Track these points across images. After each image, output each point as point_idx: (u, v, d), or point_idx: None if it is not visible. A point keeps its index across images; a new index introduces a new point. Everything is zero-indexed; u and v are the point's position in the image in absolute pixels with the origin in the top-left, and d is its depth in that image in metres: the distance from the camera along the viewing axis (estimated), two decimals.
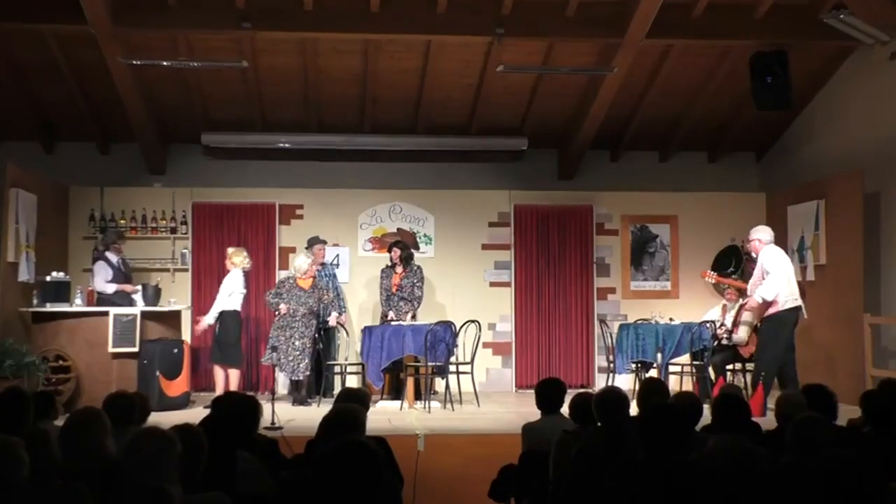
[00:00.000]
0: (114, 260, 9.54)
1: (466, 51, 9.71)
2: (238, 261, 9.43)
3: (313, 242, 10.03)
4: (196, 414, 8.43)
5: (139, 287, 9.45)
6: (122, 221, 10.75)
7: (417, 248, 11.06)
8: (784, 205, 11.01)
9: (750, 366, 9.51)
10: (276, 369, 9.68)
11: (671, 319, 9.64)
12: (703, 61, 10.07)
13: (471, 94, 10.53)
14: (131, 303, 9.24)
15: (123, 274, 9.59)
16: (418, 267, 9.97)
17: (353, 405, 4.63)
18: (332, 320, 9.59)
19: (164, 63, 9.29)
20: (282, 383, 10.21)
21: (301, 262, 9.50)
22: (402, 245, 10.06)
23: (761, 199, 11.61)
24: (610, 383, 9.41)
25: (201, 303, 10.59)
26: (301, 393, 9.38)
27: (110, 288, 9.37)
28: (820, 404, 4.95)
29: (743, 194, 11.60)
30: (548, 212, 11.31)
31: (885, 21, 8.73)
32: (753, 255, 8.64)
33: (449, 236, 11.20)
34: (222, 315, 9.27)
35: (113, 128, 10.90)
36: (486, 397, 9.96)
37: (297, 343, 9.31)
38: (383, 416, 8.51)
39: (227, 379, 9.26)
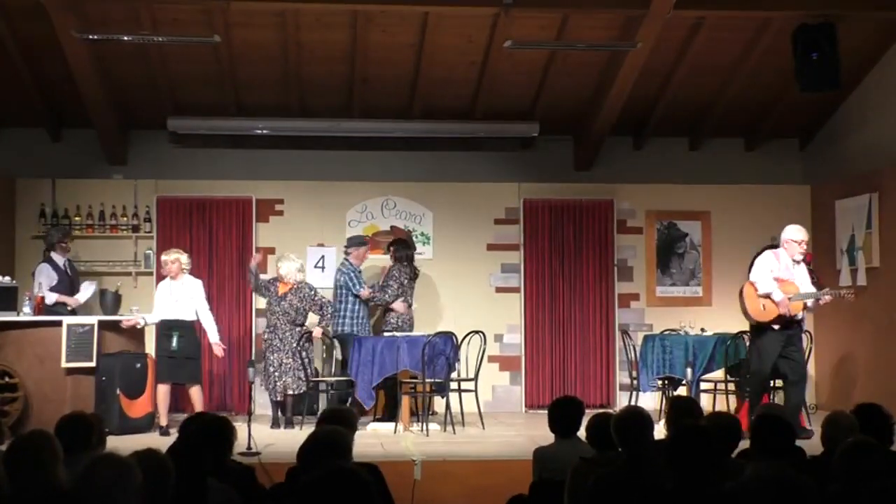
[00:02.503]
0: (60, 262, 9.53)
1: (469, 24, 9.70)
2: (188, 263, 9.44)
3: (354, 243, 10.17)
4: (161, 437, 8.49)
5: (80, 299, 9.42)
6: (77, 218, 10.75)
7: (413, 249, 11.04)
8: (832, 199, 11.01)
9: None
10: (253, 387, 9.69)
11: (703, 330, 9.64)
12: (739, 35, 10.06)
13: (474, 74, 10.52)
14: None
15: (69, 278, 9.58)
16: (401, 270, 10.06)
17: (337, 427, 4.63)
18: (316, 333, 9.60)
19: (125, 38, 9.27)
20: (260, 403, 10.21)
21: (283, 264, 9.55)
22: (398, 244, 10.24)
23: (806, 193, 11.60)
24: (633, 402, 9.42)
25: None
26: (287, 414, 9.41)
27: (50, 297, 9.35)
28: (873, 426, 4.94)
29: (785, 187, 11.59)
30: (562, 207, 11.30)
31: None
32: (803, 257, 8.67)
33: (449, 235, 11.20)
34: (184, 325, 9.26)
35: (66, 112, 10.89)
36: (492, 419, 9.95)
37: (272, 357, 9.38)
38: (375, 440, 8.51)
39: (188, 398, 9.29)
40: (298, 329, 9.51)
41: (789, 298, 8.48)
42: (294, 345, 9.43)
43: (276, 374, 9.37)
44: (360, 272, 10.10)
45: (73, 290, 9.56)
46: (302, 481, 3.32)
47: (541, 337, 11.18)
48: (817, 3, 9.31)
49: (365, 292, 9.92)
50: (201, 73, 10.40)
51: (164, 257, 9.41)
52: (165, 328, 9.19)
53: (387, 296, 9.98)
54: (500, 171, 11.46)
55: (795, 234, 8.65)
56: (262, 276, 9.90)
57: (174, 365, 9.16)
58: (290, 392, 9.41)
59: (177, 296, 9.26)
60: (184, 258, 9.39)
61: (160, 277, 10.70)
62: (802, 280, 8.60)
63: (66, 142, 11.23)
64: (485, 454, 7.93)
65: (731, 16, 9.59)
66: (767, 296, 8.51)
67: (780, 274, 8.60)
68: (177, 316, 9.22)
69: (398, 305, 10.01)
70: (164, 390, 9.10)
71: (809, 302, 8.57)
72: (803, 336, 8.76)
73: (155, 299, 9.39)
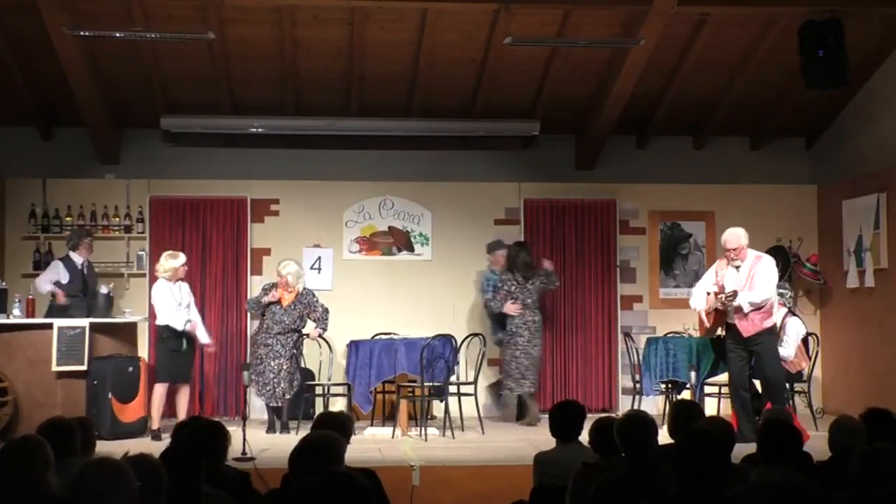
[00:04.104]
0: (78, 262, 9.58)
1: (469, 20, 9.70)
2: None
3: (490, 248, 10.52)
4: (154, 442, 8.48)
5: (68, 301, 9.44)
6: (69, 218, 10.74)
7: (412, 250, 11.06)
8: (839, 199, 11.01)
9: (799, 386, 9.55)
10: (248, 391, 9.69)
11: None
12: (744, 32, 10.06)
13: (474, 71, 10.52)
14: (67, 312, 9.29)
15: (83, 280, 9.62)
16: (507, 273, 10.25)
17: (329, 432, 4.62)
18: (313, 334, 9.60)
19: (117, 34, 9.26)
20: (256, 407, 10.21)
21: (292, 270, 9.54)
22: (511, 247, 10.42)
23: (812, 193, 11.61)
24: (635, 407, 9.42)
25: None
26: (283, 419, 9.43)
27: (44, 287, 9.44)
28: (882, 431, 4.95)
29: (791, 186, 11.60)
30: (563, 207, 11.31)
31: None
32: (739, 263, 8.63)
33: (448, 236, 11.19)
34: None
35: (57, 110, 10.88)
36: (492, 423, 9.96)
37: (272, 364, 9.38)
38: (373, 444, 8.51)
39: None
40: (297, 334, 9.53)
41: (706, 310, 8.75)
42: (293, 349, 9.46)
43: (276, 379, 9.37)
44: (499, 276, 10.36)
45: (85, 291, 9.58)
46: (298, 487, 3.31)
47: (542, 340, 11.16)
48: None
49: (486, 298, 10.40)
50: (195, 71, 10.39)
51: (174, 262, 9.29)
52: (177, 332, 9.16)
53: (492, 302, 10.19)
54: (500, 171, 11.46)
55: (723, 241, 8.80)
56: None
57: (180, 364, 9.18)
58: (287, 396, 9.43)
59: (179, 298, 9.30)
60: None
61: (154, 278, 10.69)
62: (729, 286, 8.61)
63: (57, 141, 11.23)
64: (484, 459, 7.93)
65: (735, 12, 9.58)
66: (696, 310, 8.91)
67: (719, 280, 8.74)
68: (184, 318, 9.30)
69: (509, 308, 10.04)
70: (161, 391, 9.06)
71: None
72: (763, 344, 8.63)
73: (167, 302, 9.17)
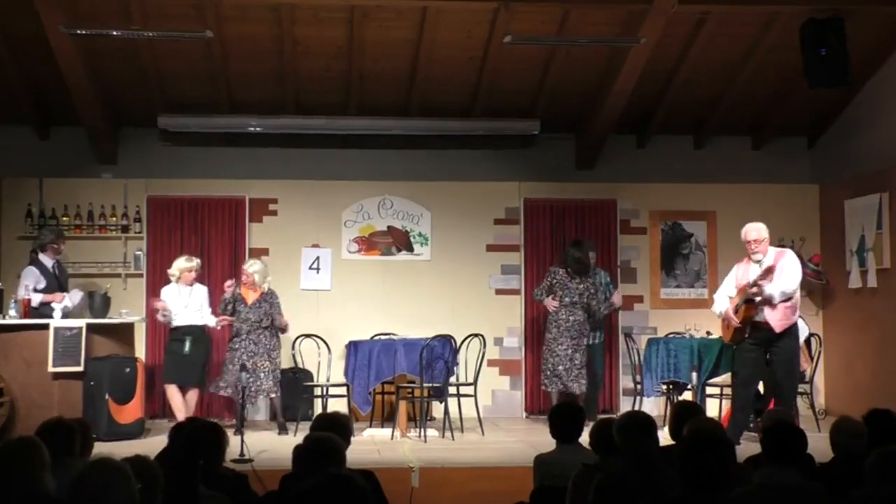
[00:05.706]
0: (48, 264, 9.56)
1: (468, 18, 9.70)
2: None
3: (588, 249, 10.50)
4: (151, 444, 8.47)
5: (66, 294, 9.43)
6: (66, 218, 10.74)
7: (411, 250, 11.05)
8: (841, 198, 11.01)
9: (801, 387, 9.55)
10: (246, 392, 9.70)
11: (708, 333, 9.64)
12: (745, 30, 10.06)
13: (474, 70, 10.52)
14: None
15: (58, 281, 9.59)
16: (557, 269, 10.25)
17: (329, 434, 4.63)
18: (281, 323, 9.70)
19: (114, 33, 9.25)
20: (255, 407, 10.22)
21: (258, 269, 9.61)
22: (569, 245, 10.45)
23: (814, 192, 11.60)
24: (636, 408, 9.42)
25: None
26: (279, 419, 9.47)
27: (35, 298, 9.35)
28: (884, 432, 4.94)
29: (792, 186, 11.59)
30: (564, 207, 11.31)
31: None
32: (761, 256, 8.56)
33: (448, 236, 11.19)
34: (196, 330, 9.52)
35: (54, 109, 10.88)
36: (492, 424, 9.96)
37: (248, 364, 9.32)
38: (372, 445, 8.51)
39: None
40: (270, 330, 9.56)
41: (736, 308, 8.57)
42: (268, 346, 9.49)
43: (251, 379, 9.26)
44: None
45: (60, 290, 9.55)
46: (297, 489, 3.31)
47: (541, 341, 11.15)
48: None
49: None
50: (193, 70, 10.39)
51: (187, 264, 9.59)
52: (178, 333, 9.43)
53: (535, 292, 10.38)
54: (500, 170, 11.45)
55: (743, 234, 8.69)
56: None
57: (183, 366, 9.36)
58: (273, 395, 9.46)
59: (186, 301, 9.49)
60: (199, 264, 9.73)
61: (151, 278, 10.73)
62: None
63: (53, 140, 11.22)
64: (484, 461, 7.93)
65: (736, 10, 9.58)
66: (720, 316, 8.71)
67: (741, 280, 8.64)
68: (190, 321, 9.46)
69: (548, 303, 10.12)
70: (172, 390, 9.34)
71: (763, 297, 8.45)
72: (784, 346, 8.52)
73: (171, 303, 9.53)
